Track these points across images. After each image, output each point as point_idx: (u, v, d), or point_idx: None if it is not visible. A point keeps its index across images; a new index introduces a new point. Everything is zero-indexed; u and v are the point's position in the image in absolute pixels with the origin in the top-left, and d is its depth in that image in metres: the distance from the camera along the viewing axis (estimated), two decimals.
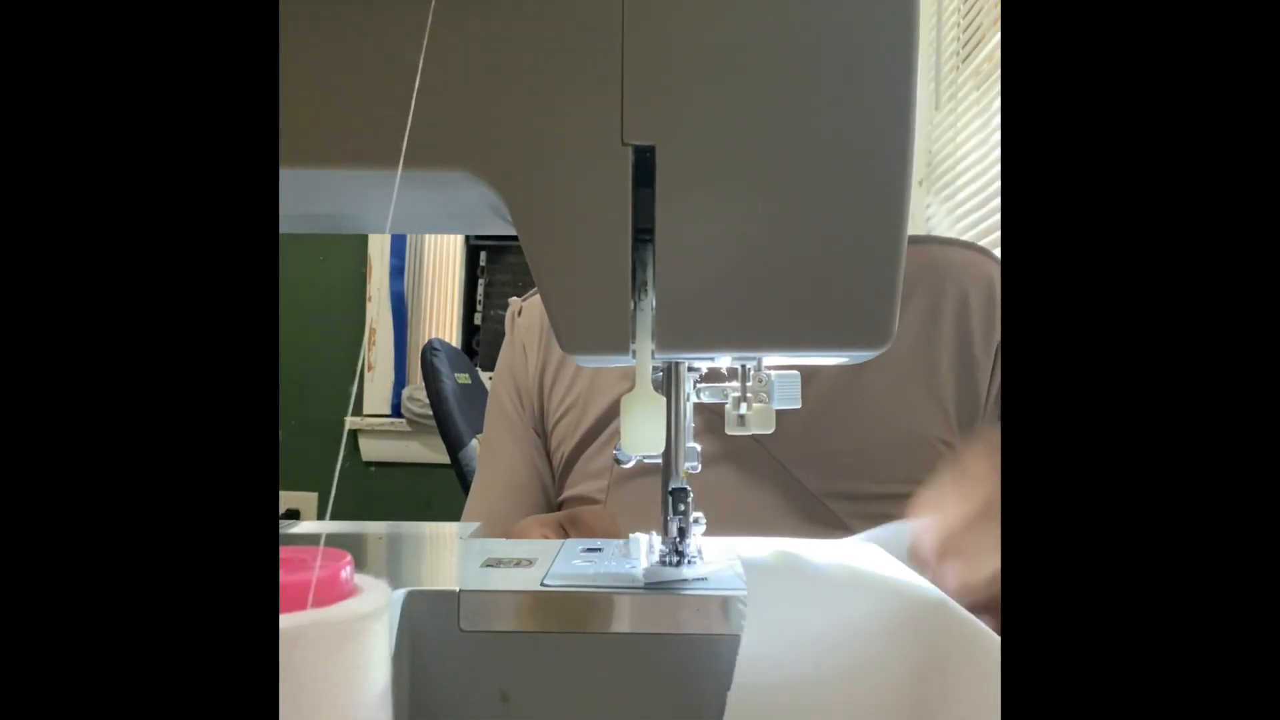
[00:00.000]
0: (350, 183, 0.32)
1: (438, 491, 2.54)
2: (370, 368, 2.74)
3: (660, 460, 0.38)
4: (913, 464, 0.67)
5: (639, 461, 0.45)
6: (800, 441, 0.66)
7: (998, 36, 1.44)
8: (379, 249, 2.71)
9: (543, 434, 0.77)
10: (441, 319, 2.81)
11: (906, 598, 0.31)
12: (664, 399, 0.32)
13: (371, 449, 2.65)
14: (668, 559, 0.37)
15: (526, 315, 0.82)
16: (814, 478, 0.65)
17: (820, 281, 0.31)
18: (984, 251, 0.74)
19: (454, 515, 0.77)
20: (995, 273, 0.72)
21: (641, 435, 0.32)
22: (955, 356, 0.69)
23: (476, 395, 1.62)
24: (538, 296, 0.83)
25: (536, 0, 0.31)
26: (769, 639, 0.30)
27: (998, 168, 1.20)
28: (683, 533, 0.37)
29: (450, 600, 0.34)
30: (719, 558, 0.37)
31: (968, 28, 1.70)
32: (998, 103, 1.23)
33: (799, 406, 0.36)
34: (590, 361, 0.35)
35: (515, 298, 0.86)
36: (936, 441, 0.67)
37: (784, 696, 0.29)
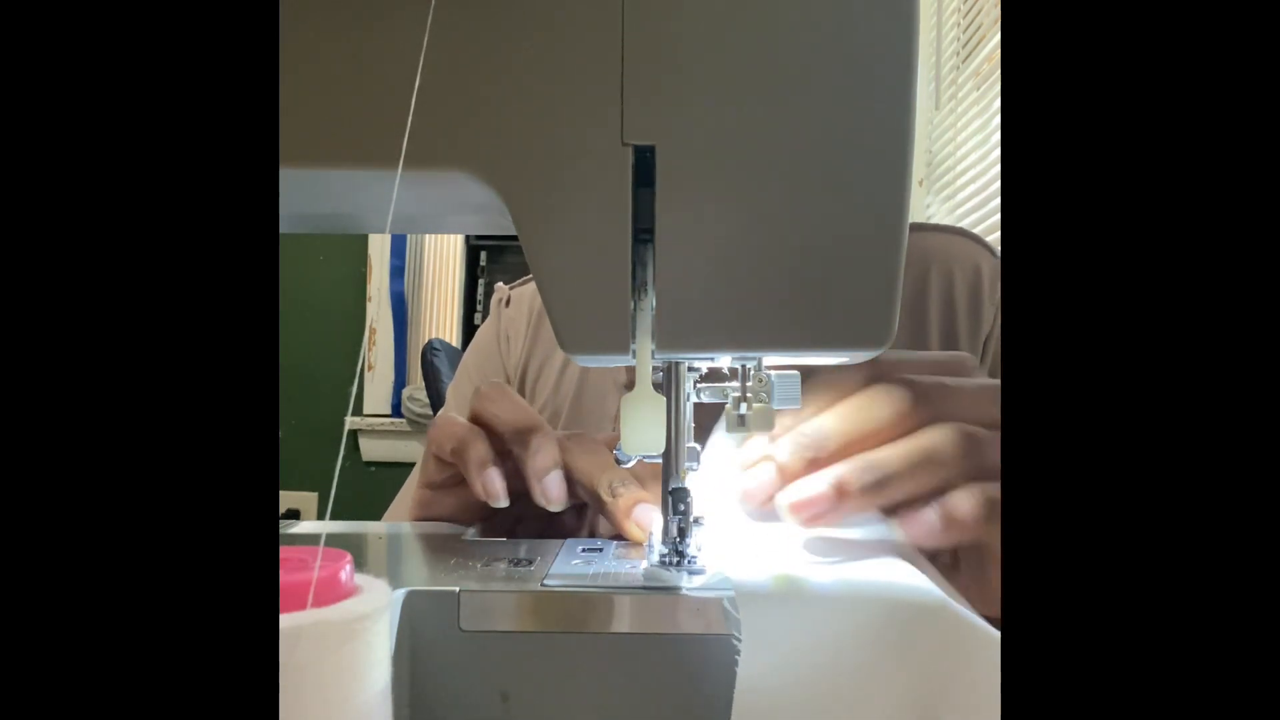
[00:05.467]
0: (350, 183, 0.32)
1: None
2: (370, 368, 2.74)
3: (659, 461, 0.38)
4: None
5: (639, 461, 0.46)
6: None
7: (998, 36, 1.44)
8: (379, 249, 2.72)
9: None
10: (441, 319, 2.82)
11: (904, 604, 0.31)
12: (664, 399, 0.32)
13: (371, 449, 2.65)
14: (668, 559, 0.37)
15: (515, 305, 0.80)
16: None
17: (820, 281, 0.31)
18: (971, 236, 0.71)
19: None
20: (983, 259, 0.69)
21: (642, 435, 0.32)
22: (941, 349, 0.66)
23: None
24: (527, 287, 0.81)
25: (536, 0, 0.31)
26: (767, 664, 0.30)
27: (998, 168, 1.20)
28: (683, 533, 0.37)
29: (450, 600, 0.34)
30: (718, 562, 0.37)
31: (968, 28, 1.71)
32: (998, 103, 1.23)
33: (799, 406, 0.36)
34: (590, 361, 0.35)
35: (502, 284, 0.84)
36: None
37: (786, 713, 0.29)
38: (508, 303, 0.81)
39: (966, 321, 0.66)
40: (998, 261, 0.70)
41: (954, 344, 0.66)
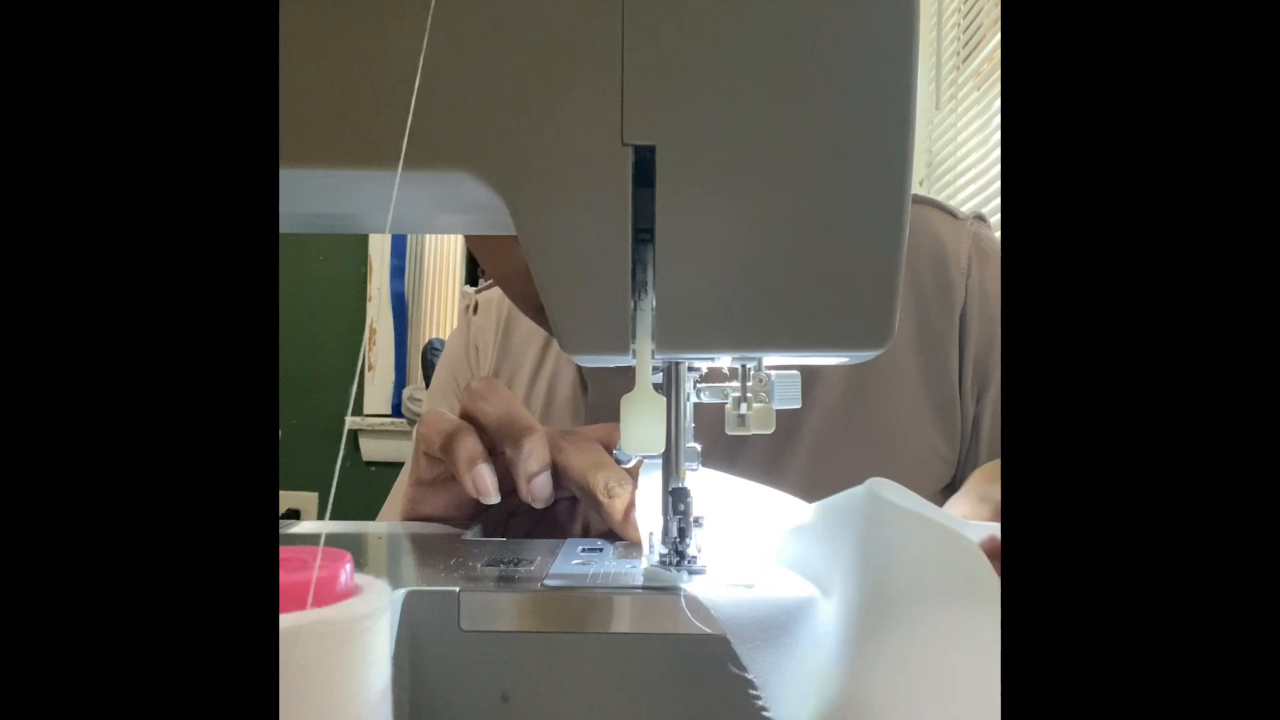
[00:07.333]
0: (350, 183, 0.32)
1: None
2: (370, 368, 2.74)
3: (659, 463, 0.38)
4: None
5: (639, 461, 0.46)
6: (762, 479, 0.63)
7: (998, 36, 1.44)
8: (379, 249, 2.72)
9: None
10: (441, 319, 2.82)
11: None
12: (664, 399, 0.32)
13: (371, 449, 2.65)
14: (668, 559, 0.37)
15: (483, 313, 0.78)
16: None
17: (820, 281, 0.31)
18: (928, 202, 0.68)
19: None
20: (944, 227, 0.65)
21: (641, 435, 0.32)
22: (914, 340, 0.63)
23: None
24: (494, 291, 0.78)
25: (536, 0, 0.31)
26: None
27: (998, 168, 1.20)
28: (683, 533, 0.37)
29: (450, 600, 0.34)
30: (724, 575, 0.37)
31: (968, 28, 1.71)
32: (998, 103, 1.23)
33: (799, 406, 0.36)
34: (590, 361, 0.35)
35: (469, 288, 0.82)
36: (907, 456, 0.62)
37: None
38: (475, 309, 0.79)
39: (935, 296, 0.63)
40: (959, 222, 0.66)
41: (927, 322, 0.63)
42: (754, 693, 0.29)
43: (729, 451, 0.62)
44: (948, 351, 0.63)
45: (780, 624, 0.31)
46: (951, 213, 0.67)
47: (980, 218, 0.68)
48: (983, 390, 0.63)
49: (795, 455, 0.63)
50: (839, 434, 0.63)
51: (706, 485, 0.42)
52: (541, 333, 0.74)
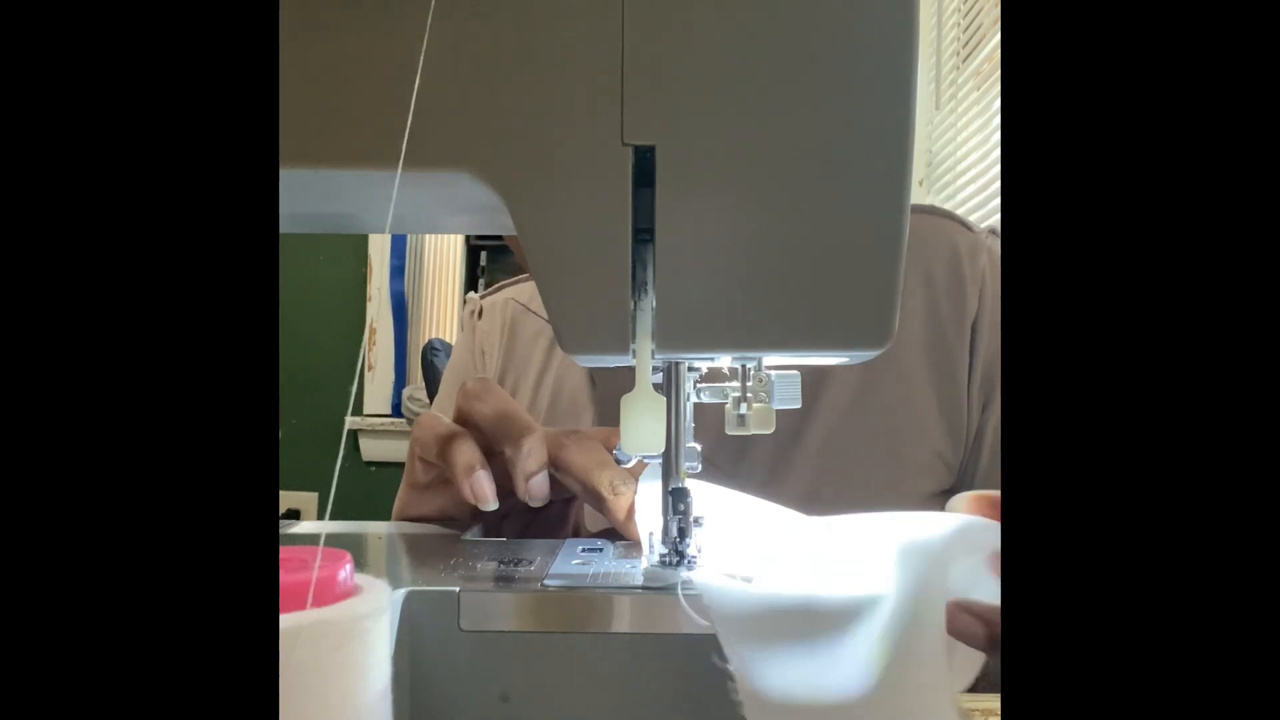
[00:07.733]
0: (350, 183, 0.32)
1: None
2: (370, 368, 2.74)
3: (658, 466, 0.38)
4: (894, 490, 0.62)
5: (639, 461, 0.46)
6: (766, 482, 0.62)
7: (998, 36, 1.44)
8: (379, 249, 2.72)
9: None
10: (441, 319, 2.82)
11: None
12: (664, 399, 0.32)
13: (371, 449, 2.65)
14: (668, 559, 0.37)
15: (488, 317, 0.78)
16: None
17: (820, 281, 0.31)
18: (944, 213, 0.68)
19: None
20: (959, 236, 0.65)
21: (641, 435, 0.32)
22: (926, 347, 0.63)
23: None
24: (498, 296, 0.79)
25: (537, 0, 0.31)
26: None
27: (998, 168, 1.20)
28: (683, 533, 0.37)
29: (450, 600, 0.34)
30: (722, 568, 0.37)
31: (968, 28, 1.70)
32: (998, 103, 1.23)
33: (799, 406, 0.36)
34: (590, 361, 0.35)
35: (473, 293, 0.82)
36: (913, 461, 0.62)
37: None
38: (480, 314, 0.79)
39: (949, 307, 0.64)
40: (975, 235, 0.67)
41: (940, 331, 0.64)
42: (732, 684, 0.29)
43: (734, 452, 0.62)
44: (958, 359, 0.64)
45: (771, 621, 0.31)
46: (968, 226, 0.68)
47: (994, 232, 0.68)
48: (989, 401, 0.64)
49: (801, 456, 0.63)
50: (846, 435, 0.63)
51: (704, 497, 0.42)
52: (546, 333, 0.74)
